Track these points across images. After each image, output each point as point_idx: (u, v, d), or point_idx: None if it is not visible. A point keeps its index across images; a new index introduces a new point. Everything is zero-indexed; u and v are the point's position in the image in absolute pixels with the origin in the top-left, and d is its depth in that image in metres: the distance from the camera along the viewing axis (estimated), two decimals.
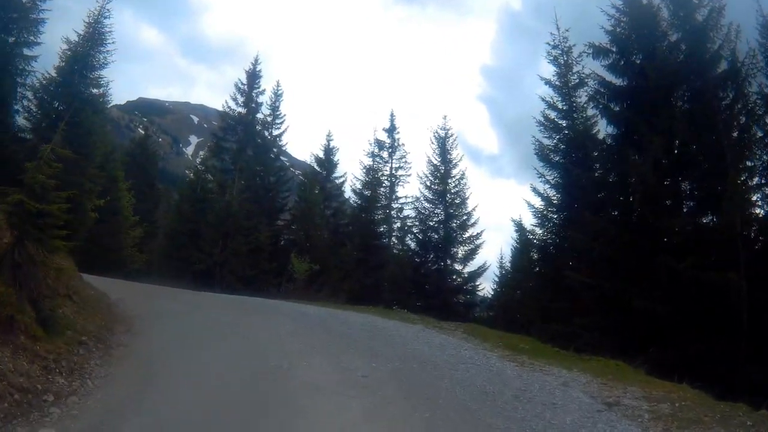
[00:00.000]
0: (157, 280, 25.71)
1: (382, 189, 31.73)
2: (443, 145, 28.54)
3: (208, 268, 27.23)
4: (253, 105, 33.09)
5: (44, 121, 13.14)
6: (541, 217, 19.97)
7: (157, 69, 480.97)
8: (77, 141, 13.26)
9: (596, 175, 18.28)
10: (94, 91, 14.48)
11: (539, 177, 19.74)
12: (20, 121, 13.31)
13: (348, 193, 35.10)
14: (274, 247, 30.24)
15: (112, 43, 14.94)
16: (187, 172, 35.90)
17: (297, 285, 24.92)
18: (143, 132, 44.12)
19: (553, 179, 19.59)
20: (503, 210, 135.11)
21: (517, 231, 23.18)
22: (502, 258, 29.62)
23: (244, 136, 32.58)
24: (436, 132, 28.78)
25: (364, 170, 32.55)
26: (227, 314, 12.82)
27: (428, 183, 28.18)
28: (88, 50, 14.26)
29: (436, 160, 28.41)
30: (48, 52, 14.56)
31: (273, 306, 15.50)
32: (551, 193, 19.73)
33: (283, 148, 35.94)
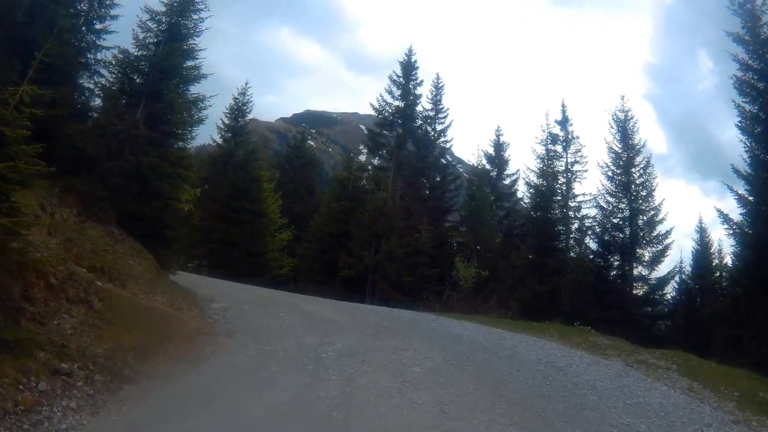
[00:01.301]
0: (300, 287, 24.34)
1: (557, 185, 28.76)
2: (623, 128, 24.92)
3: (357, 274, 25.63)
4: (411, 98, 31.62)
5: (121, 98, 11.69)
6: (749, 207, 16.68)
7: (323, 83, 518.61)
8: (159, 117, 11.58)
9: None
10: (187, 63, 12.85)
11: (746, 150, 16.73)
12: (94, 100, 12.12)
13: (521, 191, 32.92)
14: (437, 251, 27.76)
15: (206, 9, 13.28)
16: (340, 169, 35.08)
17: (461, 294, 22.29)
18: (300, 137, 44.09)
19: (762, 156, 16.52)
20: (674, 212, 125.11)
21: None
22: (681, 263, 24.98)
23: (403, 130, 31.24)
24: (615, 114, 25.25)
25: (539, 159, 30.02)
26: (347, 335, 10.14)
27: (609, 173, 24.82)
28: (176, 18, 12.67)
29: (617, 147, 24.89)
30: (126, 23, 13.33)
31: (422, 324, 12.84)
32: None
33: (448, 145, 33.89)
